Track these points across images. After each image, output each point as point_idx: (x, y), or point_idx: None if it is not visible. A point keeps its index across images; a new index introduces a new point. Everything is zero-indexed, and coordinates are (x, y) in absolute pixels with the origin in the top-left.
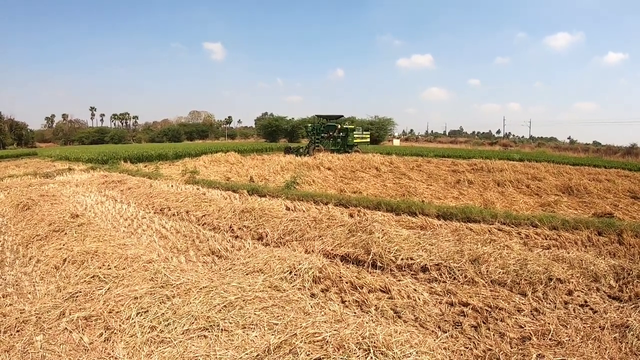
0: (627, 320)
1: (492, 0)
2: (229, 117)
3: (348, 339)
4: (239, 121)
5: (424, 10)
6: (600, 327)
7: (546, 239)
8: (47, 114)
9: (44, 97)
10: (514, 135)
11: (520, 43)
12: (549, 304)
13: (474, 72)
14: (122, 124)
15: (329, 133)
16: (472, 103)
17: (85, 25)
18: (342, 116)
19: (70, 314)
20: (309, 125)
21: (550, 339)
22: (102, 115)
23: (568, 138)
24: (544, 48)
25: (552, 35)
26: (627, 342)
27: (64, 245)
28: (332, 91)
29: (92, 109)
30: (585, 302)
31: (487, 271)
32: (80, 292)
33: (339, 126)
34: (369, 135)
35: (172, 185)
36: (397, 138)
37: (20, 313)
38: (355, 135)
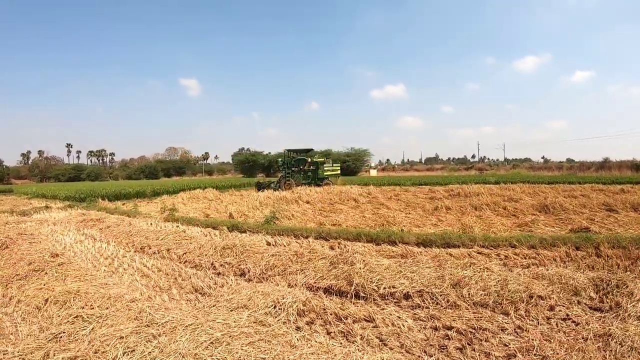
0: (610, 329)
1: (460, 28)
2: (206, 153)
3: None
4: (216, 157)
5: (394, 41)
6: (583, 338)
7: (525, 258)
8: (23, 150)
9: (20, 133)
10: (488, 159)
11: (490, 68)
12: (532, 320)
13: (446, 98)
14: (99, 160)
15: (299, 167)
16: (446, 129)
17: (61, 61)
18: (312, 149)
19: (54, 355)
20: (279, 160)
21: (535, 354)
22: (79, 152)
23: (542, 157)
24: (513, 71)
25: (520, 59)
26: (611, 350)
27: (44, 285)
28: (308, 124)
29: (69, 145)
30: (567, 315)
31: (469, 294)
32: (64, 332)
33: (309, 160)
34: (339, 168)
35: (151, 223)
36: (374, 168)
37: (3, 355)
38: (325, 168)
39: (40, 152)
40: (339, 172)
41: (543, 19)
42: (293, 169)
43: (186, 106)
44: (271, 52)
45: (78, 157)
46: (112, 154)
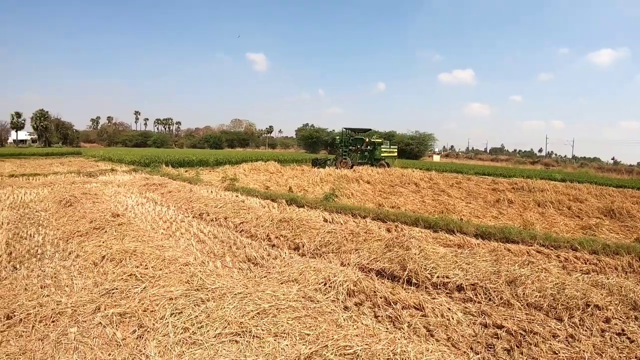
0: None
1: (533, 15)
2: (270, 126)
3: (379, 355)
4: (280, 131)
5: (465, 25)
6: (636, 357)
7: (585, 263)
8: (93, 116)
9: (91, 100)
10: (556, 155)
11: (563, 59)
12: (585, 330)
13: (515, 87)
14: (165, 128)
15: (357, 146)
16: (514, 120)
17: (133, 33)
18: (370, 129)
19: (105, 309)
20: (337, 137)
21: None
22: (146, 119)
23: (612, 159)
24: (587, 64)
25: (595, 52)
26: None
27: (103, 242)
28: (374, 104)
29: (137, 113)
30: (623, 330)
31: (524, 294)
32: (116, 289)
33: (367, 139)
34: (396, 150)
35: (211, 191)
36: (437, 154)
37: (57, 304)
38: (382, 149)
39: (109, 118)
40: (395, 154)
41: (622, 10)
42: (350, 147)
43: (253, 80)
44: (339, 31)
45: (145, 124)
46: (178, 123)
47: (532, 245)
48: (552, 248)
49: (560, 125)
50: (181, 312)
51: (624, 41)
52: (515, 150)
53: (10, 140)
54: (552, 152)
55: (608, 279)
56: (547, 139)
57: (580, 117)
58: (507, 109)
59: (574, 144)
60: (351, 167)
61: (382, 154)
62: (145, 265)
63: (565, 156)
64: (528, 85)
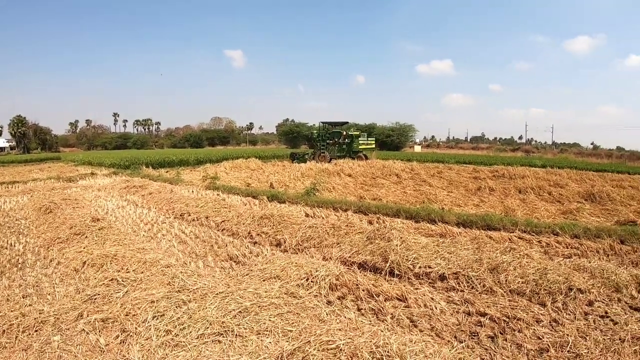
0: None
1: (508, 4)
2: (251, 123)
3: (362, 348)
4: (260, 127)
5: (441, 15)
6: (620, 339)
7: (567, 248)
8: (71, 120)
9: (68, 103)
10: (536, 141)
11: (540, 47)
12: (569, 314)
13: (494, 77)
14: (145, 129)
15: (334, 140)
16: (494, 108)
17: (107, 32)
18: (347, 123)
19: (88, 316)
20: (315, 132)
21: (568, 351)
22: (125, 120)
23: (591, 144)
24: (564, 52)
25: (571, 39)
26: None
27: (84, 248)
28: (354, 97)
29: (115, 114)
30: (606, 313)
31: (506, 280)
32: (98, 294)
33: (344, 133)
34: (374, 141)
35: (192, 191)
36: (419, 144)
37: (39, 313)
38: (360, 142)
39: (87, 121)
40: (373, 146)
41: None
42: (328, 141)
43: (231, 77)
44: (316, 25)
45: (124, 126)
46: (157, 123)
47: (513, 232)
48: (533, 234)
49: (540, 113)
50: (163, 315)
51: (600, 27)
52: (495, 138)
53: None
54: (532, 139)
55: (590, 262)
56: (527, 126)
57: (560, 104)
58: (487, 99)
59: (553, 131)
60: (329, 161)
61: (359, 147)
62: (127, 269)
63: (546, 143)
64: (506, 74)
